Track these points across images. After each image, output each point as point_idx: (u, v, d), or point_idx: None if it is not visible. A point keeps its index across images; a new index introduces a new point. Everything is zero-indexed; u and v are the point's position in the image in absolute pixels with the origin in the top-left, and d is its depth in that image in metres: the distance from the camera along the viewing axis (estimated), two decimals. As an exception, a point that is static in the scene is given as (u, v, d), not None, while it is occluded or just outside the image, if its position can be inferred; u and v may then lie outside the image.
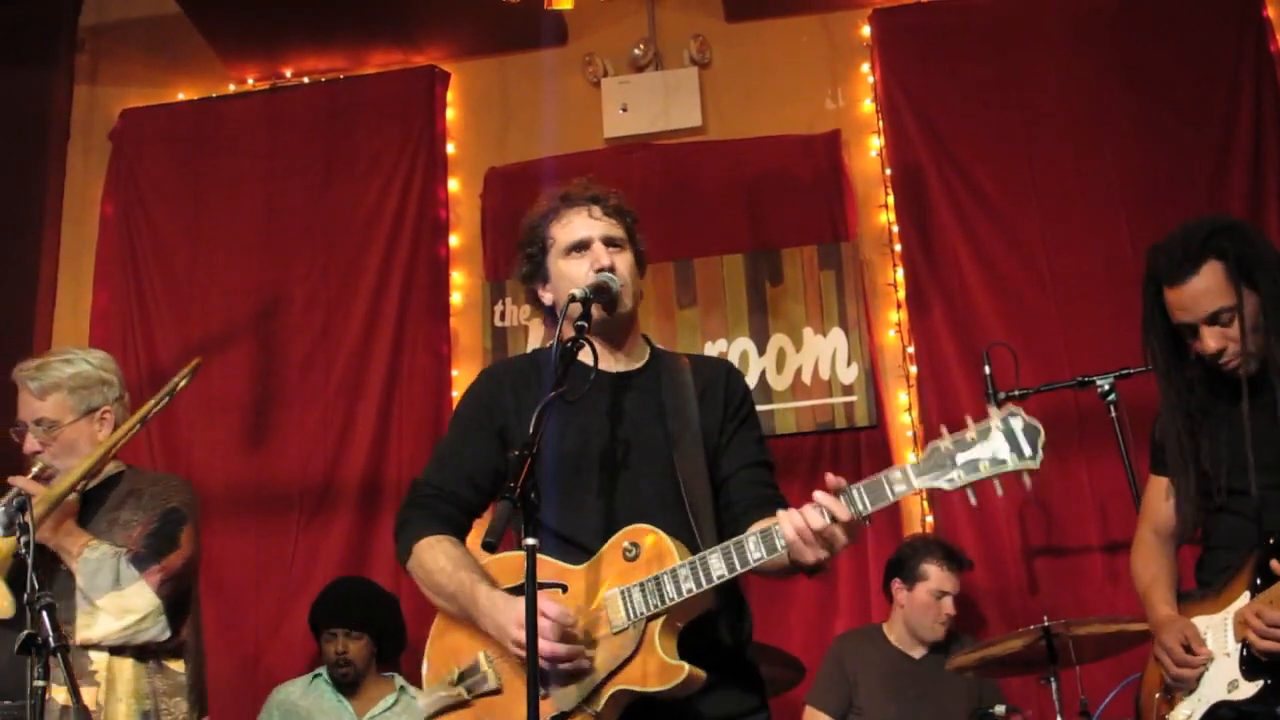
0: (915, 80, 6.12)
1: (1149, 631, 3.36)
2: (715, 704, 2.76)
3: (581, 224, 3.01)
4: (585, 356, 2.82)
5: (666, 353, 3.14)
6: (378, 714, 5.20)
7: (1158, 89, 5.86)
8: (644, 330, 3.18)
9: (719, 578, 2.60)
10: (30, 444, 3.78)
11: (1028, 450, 2.43)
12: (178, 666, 3.67)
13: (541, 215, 3.08)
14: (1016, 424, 2.44)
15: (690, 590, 2.61)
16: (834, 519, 2.51)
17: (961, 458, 2.46)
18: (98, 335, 6.38)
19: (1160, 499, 3.44)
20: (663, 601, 2.63)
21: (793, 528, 2.53)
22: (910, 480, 2.49)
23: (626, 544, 2.71)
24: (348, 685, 5.20)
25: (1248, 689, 3.02)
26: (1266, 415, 3.17)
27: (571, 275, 2.97)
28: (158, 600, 3.56)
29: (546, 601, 2.62)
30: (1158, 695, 3.25)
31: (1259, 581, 3.07)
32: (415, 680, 5.33)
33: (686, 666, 2.60)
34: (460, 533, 2.95)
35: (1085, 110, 5.91)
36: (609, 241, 3.00)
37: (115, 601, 3.51)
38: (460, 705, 2.82)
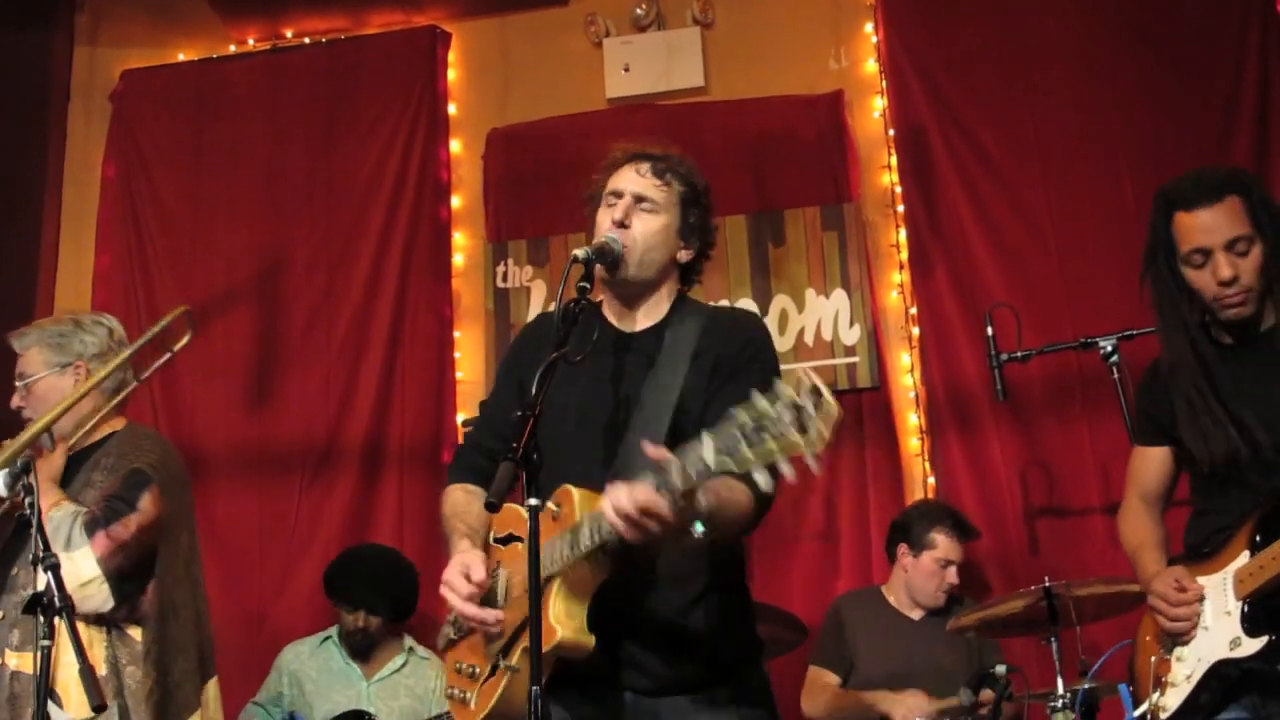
0: (919, 40, 6.08)
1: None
2: (654, 674, 2.76)
3: (623, 177, 3.00)
4: (607, 313, 2.98)
5: (691, 308, 3.04)
6: (386, 675, 5.27)
7: (1163, 49, 5.82)
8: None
9: (585, 547, 2.55)
10: (15, 400, 3.85)
11: (811, 428, 2.13)
12: (135, 634, 3.65)
13: (605, 165, 3.08)
14: (809, 399, 2.14)
15: (565, 556, 2.59)
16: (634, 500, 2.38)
17: (755, 433, 2.19)
18: (100, 298, 6.39)
19: (1146, 466, 3.46)
20: (551, 564, 2.61)
21: (610, 507, 2.42)
22: (709, 462, 2.28)
23: (553, 505, 2.70)
24: (361, 651, 5.28)
25: (1251, 645, 3.03)
26: (1257, 373, 3.19)
27: (599, 224, 2.98)
28: (98, 570, 3.52)
29: (467, 563, 2.73)
30: (1154, 658, 3.26)
31: (1259, 539, 3.08)
32: (424, 638, 5.39)
33: (559, 631, 2.57)
34: (489, 483, 2.96)
35: (1089, 70, 5.88)
36: (640, 199, 2.96)
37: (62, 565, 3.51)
38: (451, 645, 2.99)
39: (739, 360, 2.88)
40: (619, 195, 2.97)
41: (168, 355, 4.16)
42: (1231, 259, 3.16)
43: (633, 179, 2.98)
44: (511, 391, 3.02)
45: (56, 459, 3.72)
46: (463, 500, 2.96)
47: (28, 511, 3.14)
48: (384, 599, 5.27)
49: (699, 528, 2.50)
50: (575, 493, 2.66)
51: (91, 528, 3.55)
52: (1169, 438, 3.36)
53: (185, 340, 4.13)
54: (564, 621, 2.60)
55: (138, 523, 3.63)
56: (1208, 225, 3.18)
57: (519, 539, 2.80)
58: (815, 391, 2.16)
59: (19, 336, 3.88)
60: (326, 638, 5.37)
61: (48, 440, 3.77)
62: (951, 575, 5.04)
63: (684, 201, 3.01)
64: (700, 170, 3.09)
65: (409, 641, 5.37)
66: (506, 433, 2.89)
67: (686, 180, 3.02)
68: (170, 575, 3.76)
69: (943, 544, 5.03)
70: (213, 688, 3.87)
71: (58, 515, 3.55)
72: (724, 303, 5.85)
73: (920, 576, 5.06)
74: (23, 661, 3.63)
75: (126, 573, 3.61)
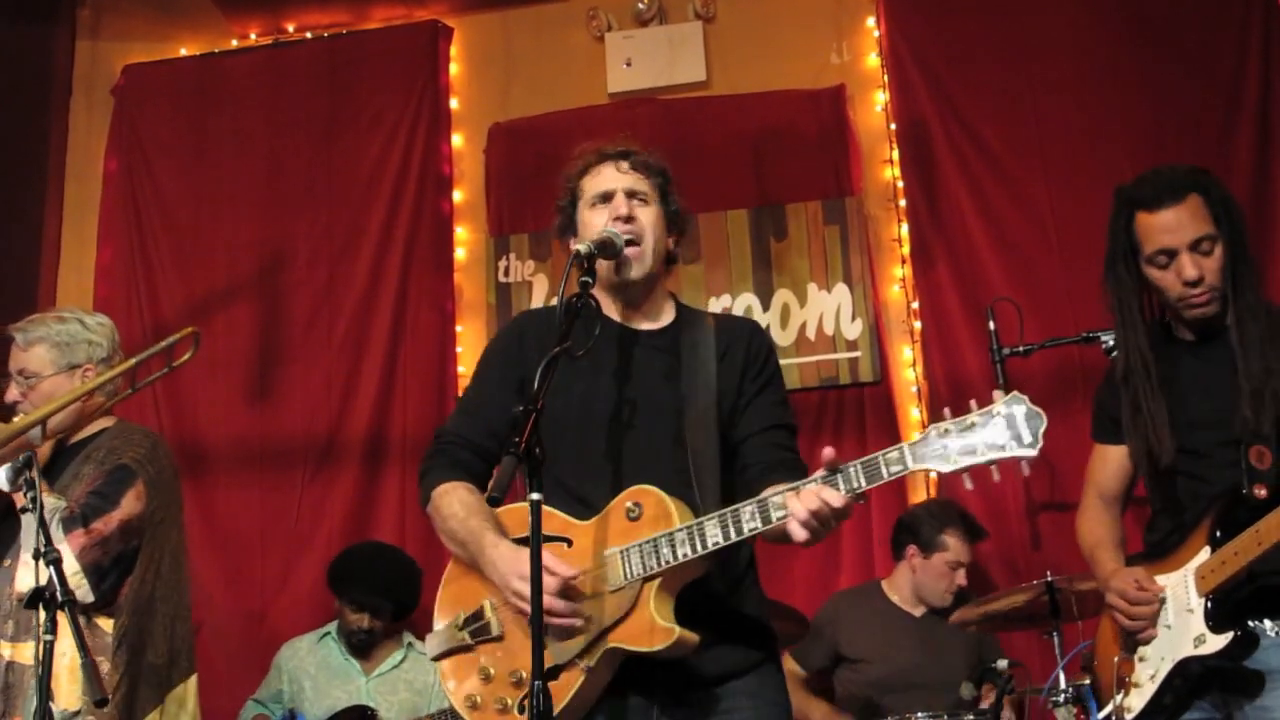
0: (920, 34, 6.08)
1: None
2: (715, 660, 2.78)
3: (608, 176, 3.05)
4: (607, 311, 2.96)
5: (693, 312, 3.13)
6: (386, 671, 5.27)
7: (1164, 43, 5.82)
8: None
9: (714, 544, 2.60)
10: (11, 393, 3.85)
11: (1027, 438, 2.42)
12: (106, 625, 3.62)
13: (575, 169, 3.12)
14: (1019, 410, 2.43)
15: (685, 555, 2.62)
16: (828, 504, 2.48)
17: (959, 442, 2.43)
18: (102, 292, 6.39)
19: (1104, 465, 3.48)
20: (658, 564, 2.64)
21: (801, 515, 2.49)
22: (907, 461, 2.46)
23: (630, 504, 2.72)
24: (361, 649, 5.28)
25: (1216, 642, 3.03)
26: (1215, 370, 3.20)
27: (593, 225, 2.99)
28: (77, 565, 3.50)
29: (552, 557, 2.65)
30: (1117, 658, 3.27)
31: (1219, 535, 3.08)
32: (423, 634, 5.38)
33: (677, 630, 2.62)
34: (480, 480, 2.97)
35: (1091, 64, 5.88)
36: (633, 195, 3.01)
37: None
38: (463, 649, 2.89)
39: (765, 372, 3.00)
40: (610, 195, 3.01)
41: (165, 370, 4.19)
42: (1196, 259, 3.17)
43: (617, 176, 3.03)
44: (505, 389, 3.00)
45: (43, 452, 3.72)
46: (473, 499, 2.92)
47: (30, 506, 3.14)
48: (388, 602, 5.27)
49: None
50: (663, 495, 2.70)
51: (69, 525, 3.54)
52: (1124, 431, 3.38)
53: (186, 357, 4.15)
54: (671, 620, 2.64)
55: (119, 518, 3.63)
56: (1171, 225, 3.18)
57: (558, 539, 2.77)
58: (1020, 401, 2.45)
59: (22, 331, 3.86)
60: (325, 634, 5.37)
61: (38, 434, 3.77)
62: (961, 577, 5.04)
63: (662, 191, 3.08)
64: (688, 161, 3.15)
65: (408, 637, 5.37)
66: (500, 429, 2.93)
67: (659, 170, 3.09)
68: (151, 570, 3.74)
69: (954, 546, 5.03)
70: (191, 685, 3.83)
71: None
72: (725, 297, 5.88)
73: (930, 578, 5.05)
74: (17, 652, 3.63)
75: (105, 568, 3.61)
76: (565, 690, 2.68)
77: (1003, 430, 2.43)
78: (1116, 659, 3.26)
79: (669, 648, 2.62)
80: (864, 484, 2.48)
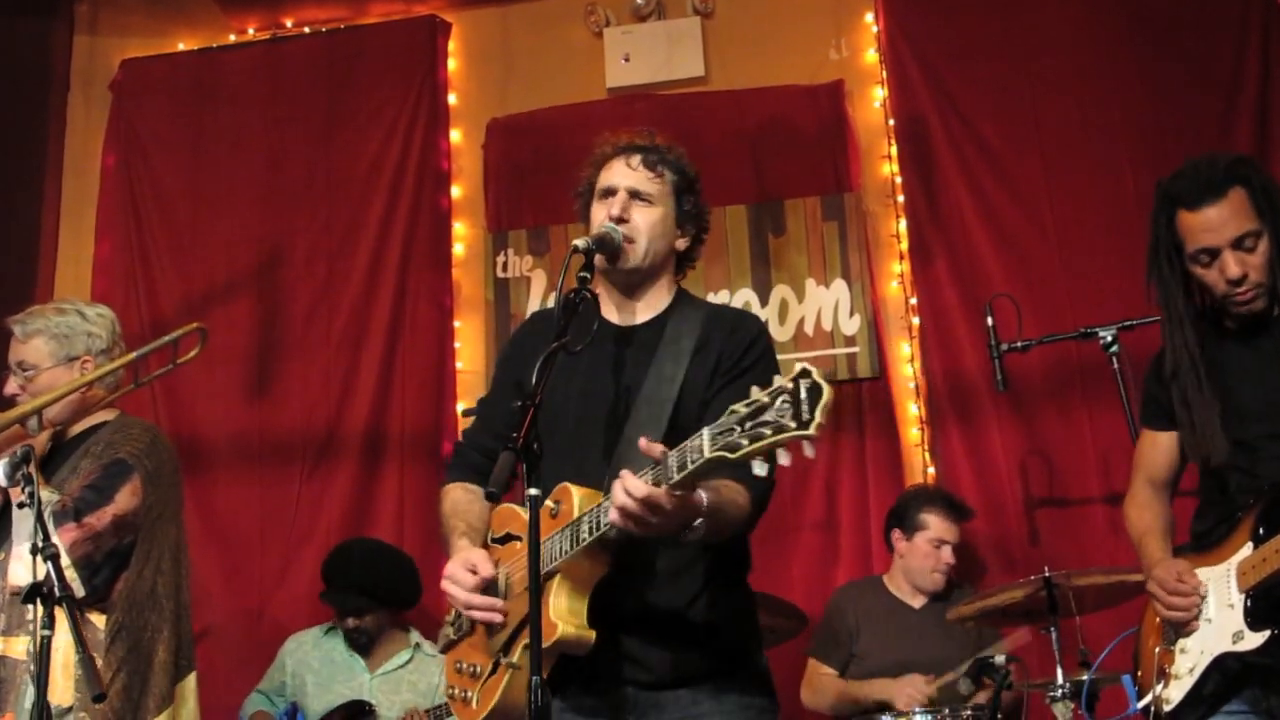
0: (919, 30, 6.07)
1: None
2: (679, 665, 2.76)
3: (615, 172, 3.01)
4: (604, 311, 2.89)
5: (690, 303, 3.06)
6: (390, 670, 5.25)
7: (1163, 37, 5.82)
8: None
9: (584, 540, 2.56)
10: (10, 386, 3.83)
11: (805, 415, 2.13)
12: (98, 620, 3.60)
13: (594, 160, 3.09)
14: (803, 384, 2.16)
15: (565, 550, 2.60)
16: (631, 494, 2.40)
17: (749, 424, 2.21)
18: (99, 287, 6.38)
19: (1154, 450, 3.43)
20: (551, 560, 2.62)
21: (618, 501, 2.42)
22: (704, 448, 2.28)
23: (551, 502, 2.70)
24: (363, 646, 5.27)
25: (1254, 639, 3.01)
26: (1264, 361, 3.17)
27: (595, 220, 2.98)
28: (67, 559, 3.44)
29: (479, 556, 2.74)
30: (1158, 649, 3.25)
31: (1261, 531, 3.05)
32: (426, 632, 5.38)
33: (560, 626, 2.57)
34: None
35: (1090, 59, 5.88)
36: (635, 194, 2.96)
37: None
38: (450, 646, 2.98)
39: (743, 363, 2.88)
40: (612, 191, 2.97)
41: (170, 366, 4.17)
42: (1240, 256, 3.11)
43: (625, 173, 2.98)
44: (507, 392, 3.00)
45: (40, 443, 3.71)
46: (463, 499, 2.96)
47: (27, 501, 3.13)
48: (369, 599, 5.22)
49: (698, 524, 2.51)
50: (574, 490, 2.66)
51: (60, 518, 3.52)
52: (1176, 423, 3.34)
53: (192, 355, 4.14)
54: (565, 617, 2.60)
55: (112, 513, 3.61)
56: (1213, 224, 3.11)
57: (517, 538, 2.80)
58: (807, 376, 2.17)
59: (21, 323, 3.85)
60: (331, 628, 5.36)
61: (35, 424, 3.75)
62: (947, 555, 5.04)
63: (677, 190, 3.02)
64: (688, 156, 3.09)
65: (415, 637, 5.35)
66: (503, 429, 2.90)
67: (677, 169, 3.03)
68: (149, 566, 3.71)
69: (935, 524, 5.04)
70: (190, 683, 3.82)
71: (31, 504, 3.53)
72: (724, 293, 5.87)
73: (915, 558, 5.06)
74: (8, 646, 3.62)
75: (97, 562, 3.59)
76: (494, 689, 2.72)
77: (787, 409, 2.16)
78: (1158, 649, 3.24)
79: (554, 644, 2.57)
80: (674, 474, 2.36)
